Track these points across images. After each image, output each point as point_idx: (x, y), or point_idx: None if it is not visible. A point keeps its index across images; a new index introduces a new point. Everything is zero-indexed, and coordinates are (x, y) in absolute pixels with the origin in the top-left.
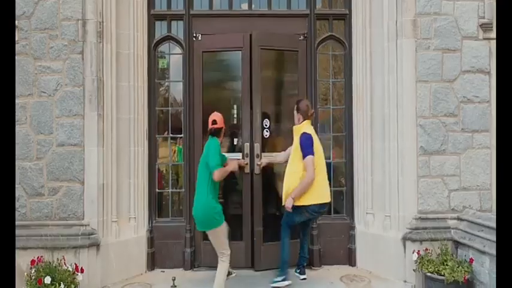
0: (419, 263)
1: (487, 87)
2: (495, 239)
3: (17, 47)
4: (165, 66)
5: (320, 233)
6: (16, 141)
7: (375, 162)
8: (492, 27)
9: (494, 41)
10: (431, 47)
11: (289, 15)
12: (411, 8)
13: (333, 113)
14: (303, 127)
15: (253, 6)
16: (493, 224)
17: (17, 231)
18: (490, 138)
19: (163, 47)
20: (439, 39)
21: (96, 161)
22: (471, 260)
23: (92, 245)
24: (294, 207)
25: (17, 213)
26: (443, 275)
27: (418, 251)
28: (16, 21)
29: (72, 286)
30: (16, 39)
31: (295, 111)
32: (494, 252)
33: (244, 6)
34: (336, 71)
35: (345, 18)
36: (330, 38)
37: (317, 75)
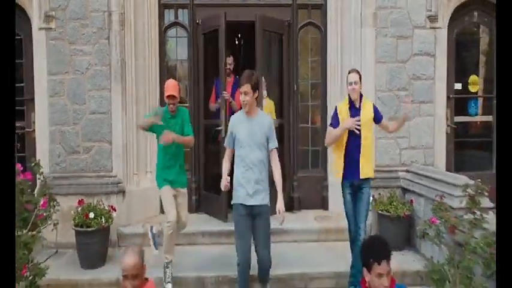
0: (375, 204)
1: (432, 67)
2: (430, 185)
3: (54, 34)
4: (173, 47)
5: (299, 184)
6: (56, 110)
7: None
8: (437, 18)
9: (439, 29)
10: (388, 34)
11: (275, 5)
12: (372, 2)
13: (311, 86)
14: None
15: None
16: (430, 174)
17: (60, 181)
18: (433, 108)
19: (171, 32)
20: (395, 28)
21: (120, 125)
22: (411, 201)
23: (119, 191)
24: None
25: (58, 167)
26: (390, 212)
27: (373, 195)
28: (53, 12)
29: (110, 220)
30: (53, 27)
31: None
32: (428, 195)
33: None
34: (314, 51)
35: (321, 8)
36: (309, 24)
37: (298, 55)
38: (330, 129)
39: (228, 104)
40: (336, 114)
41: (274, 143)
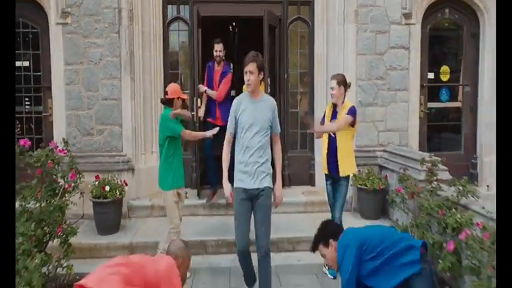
0: (355, 180)
1: (407, 59)
2: (401, 162)
3: (70, 28)
4: (176, 40)
5: (290, 163)
6: (71, 97)
7: None
8: (411, 15)
9: (413, 25)
10: (368, 29)
11: (267, 1)
12: (354, 1)
13: (300, 75)
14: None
15: None
16: (402, 153)
17: (76, 160)
18: (408, 95)
19: (174, 25)
20: (374, 24)
21: (129, 110)
22: (386, 176)
23: (129, 169)
24: None
25: (74, 148)
26: (367, 186)
27: (353, 172)
28: (69, 9)
29: (123, 193)
30: (69, 22)
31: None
32: (399, 170)
33: None
34: (302, 43)
35: (309, 5)
36: (298, 19)
37: (288, 47)
38: (318, 125)
39: (204, 95)
40: (324, 115)
41: (277, 128)
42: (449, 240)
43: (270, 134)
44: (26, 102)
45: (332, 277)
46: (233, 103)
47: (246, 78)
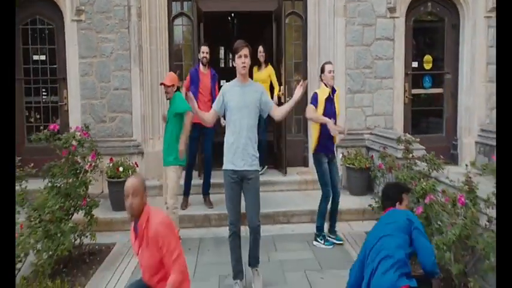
0: (344, 160)
1: (392, 49)
2: (385, 143)
3: (84, 25)
4: (179, 34)
5: (287, 146)
6: (86, 87)
7: None
8: (395, 9)
9: (397, 18)
10: (356, 23)
11: None
12: None
13: (295, 65)
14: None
15: None
16: (386, 134)
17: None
18: (393, 82)
19: (178, 20)
20: (361, 18)
21: (138, 99)
22: (372, 156)
23: (139, 152)
24: None
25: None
26: (355, 165)
27: (342, 153)
28: (83, 7)
29: (134, 173)
30: (83, 19)
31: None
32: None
33: None
34: (296, 35)
35: (303, 0)
36: (292, 13)
37: (283, 44)
38: (311, 106)
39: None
40: (316, 98)
41: (271, 103)
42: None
43: (259, 116)
44: (43, 93)
45: (339, 242)
46: (223, 86)
47: (241, 61)
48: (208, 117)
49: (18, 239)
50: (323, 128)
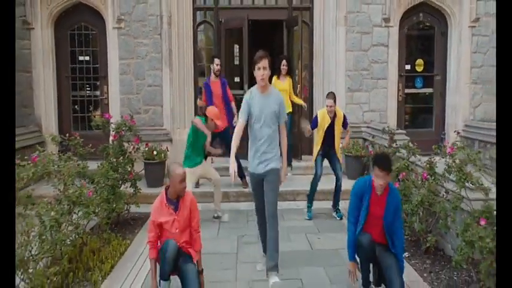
0: (342, 150)
1: (386, 54)
2: (378, 134)
3: (123, 31)
4: (203, 39)
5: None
6: (124, 84)
7: (324, 96)
8: (390, 19)
9: (391, 27)
10: (355, 31)
11: (276, 7)
12: (344, 8)
13: (301, 67)
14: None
15: (255, 2)
16: (378, 127)
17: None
18: (387, 83)
19: (201, 27)
20: (360, 27)
21: (168, 95)
22: (367, 146)
23: (169, 140)
24: None
25: None
26: (352, 153)
27: (342, 143)
28: (122, 16)
29: (166, 156)
30: (123, 27)
31: None
32: (376, 141)
33: (249, 2)
34: (304, 41)
35: (309, 10)
36: (301, 21)
37: (293, 43)
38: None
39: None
40: (316, 118)
41: (283, 119)
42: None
43: (277, 125)
44: (87, 88)
45: (339, 218)
46: (246, 94)
47: (259, 73)
48: (240, 134)
49: (89, 200)
50: (326, 138)
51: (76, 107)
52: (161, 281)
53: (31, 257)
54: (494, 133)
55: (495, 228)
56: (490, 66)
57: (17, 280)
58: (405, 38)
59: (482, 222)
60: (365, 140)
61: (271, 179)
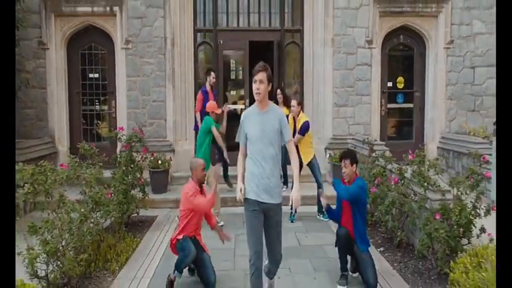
0: (330, 159)
1: (369, 73)
2: (360, 145)
3: (130, 52)
4: (203, 58)
5: None
6: (131, 99)
7: (314, 111)
8: (372, 42)
9: (374, 48)
10: (341, 52)
11: (269, 30)
12: (331, 31)
13: (293, 86)
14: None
15: (250, 24)
16: (361, 139)
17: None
18: (370, 99)
19: (201, 48)
20: (345, 48)
21: (171, 109)
22: None
23: (171, 150)
24: None
25: None
26: (338, 163)
27: (330, 153)
28: (130, 38)
29: (169, 165)
30: (130, 47)
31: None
32: (359, 151)
33: (245, 24)
34: (295, 61)
35: (300, 32)
36: (292, 42)
37: (285, 64)
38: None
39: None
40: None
41: (288, 136)
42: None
43: (280, 144)
44: (96, 103)
45: (326, 220)
46: (242, 115)
47: (255, 86)
48: (243, 161)
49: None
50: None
51: (83, 120)
52: (176, 271)
53: (62, 247)
54: (467, 144)
55: (451, 223)
56: (463, 83)
57: (50, 267)
58: (387, 58)
59: (437, 217)
60: None
61: (277, 219)
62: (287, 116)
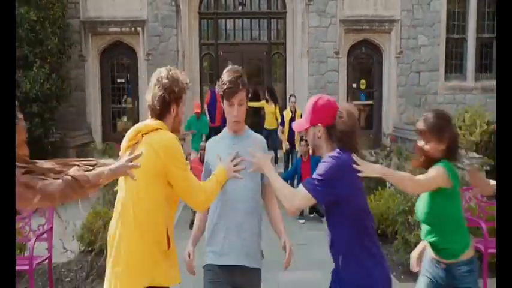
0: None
1: (337, 77)
2: None
3: (150, 62)
4: (206, 66)
5: None
6: None
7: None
8: (339, 53)
9: (341, 58)
10: (315, 61)
11: (259, 43)
12: (307, 44)
13: (278, 89)
14: None
15: (244, 39)
16: None
17: None
18: (338, 98)
19: (205, 57)
20: (318, 58)
21: None
22: None
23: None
24: None
25: None
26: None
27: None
28: (150, 51)
29: None
30: (150, 59)
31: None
32: None
33: (239, 39)
34: (279, 69)
35: (283, 44)
36: (276, 53)
37: (271, 72)
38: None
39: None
40: (283, 120)
41: (266, 179)
42: None
43: (260, 179)
44: (123, 102)
45: (302, 222)
46: (207, 146)
47: (233, 112)
48: (198, 219)
49: None
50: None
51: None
52: None
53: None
54: (412, 133)
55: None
56: (410, 85)
57: None
58: (351, 65)
59: None
60: None
61: None
62: (282, 114)
